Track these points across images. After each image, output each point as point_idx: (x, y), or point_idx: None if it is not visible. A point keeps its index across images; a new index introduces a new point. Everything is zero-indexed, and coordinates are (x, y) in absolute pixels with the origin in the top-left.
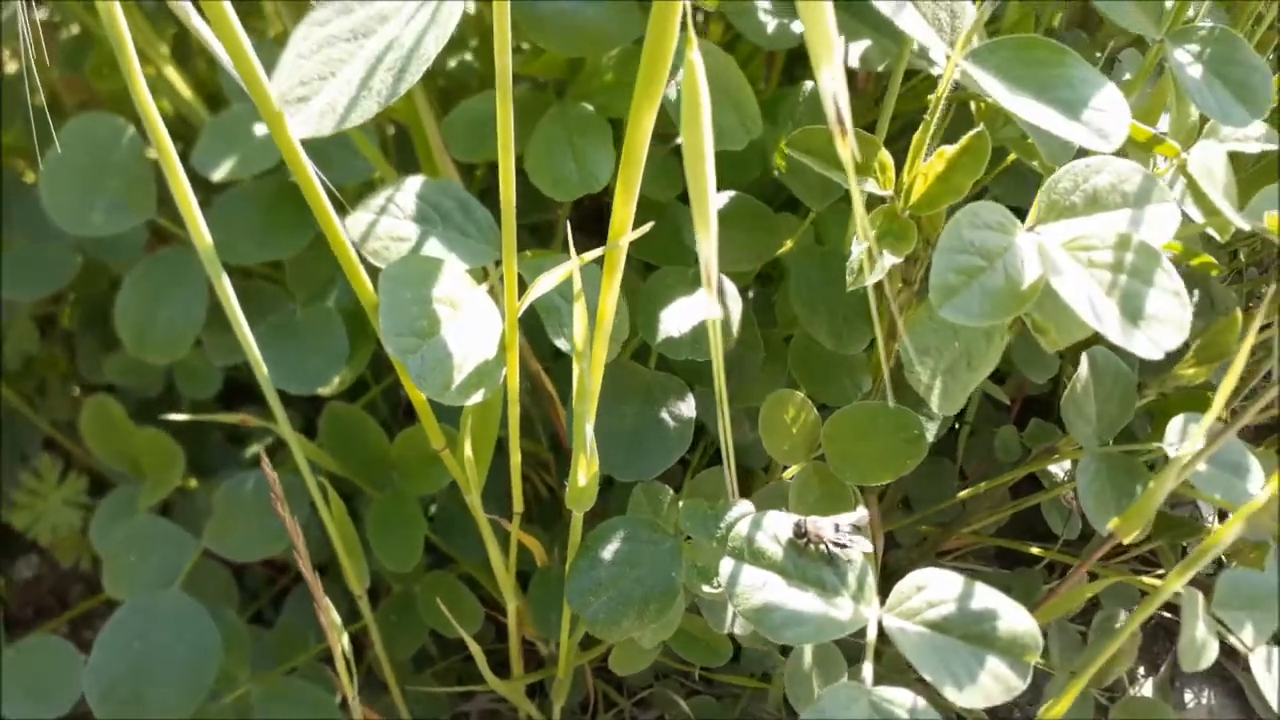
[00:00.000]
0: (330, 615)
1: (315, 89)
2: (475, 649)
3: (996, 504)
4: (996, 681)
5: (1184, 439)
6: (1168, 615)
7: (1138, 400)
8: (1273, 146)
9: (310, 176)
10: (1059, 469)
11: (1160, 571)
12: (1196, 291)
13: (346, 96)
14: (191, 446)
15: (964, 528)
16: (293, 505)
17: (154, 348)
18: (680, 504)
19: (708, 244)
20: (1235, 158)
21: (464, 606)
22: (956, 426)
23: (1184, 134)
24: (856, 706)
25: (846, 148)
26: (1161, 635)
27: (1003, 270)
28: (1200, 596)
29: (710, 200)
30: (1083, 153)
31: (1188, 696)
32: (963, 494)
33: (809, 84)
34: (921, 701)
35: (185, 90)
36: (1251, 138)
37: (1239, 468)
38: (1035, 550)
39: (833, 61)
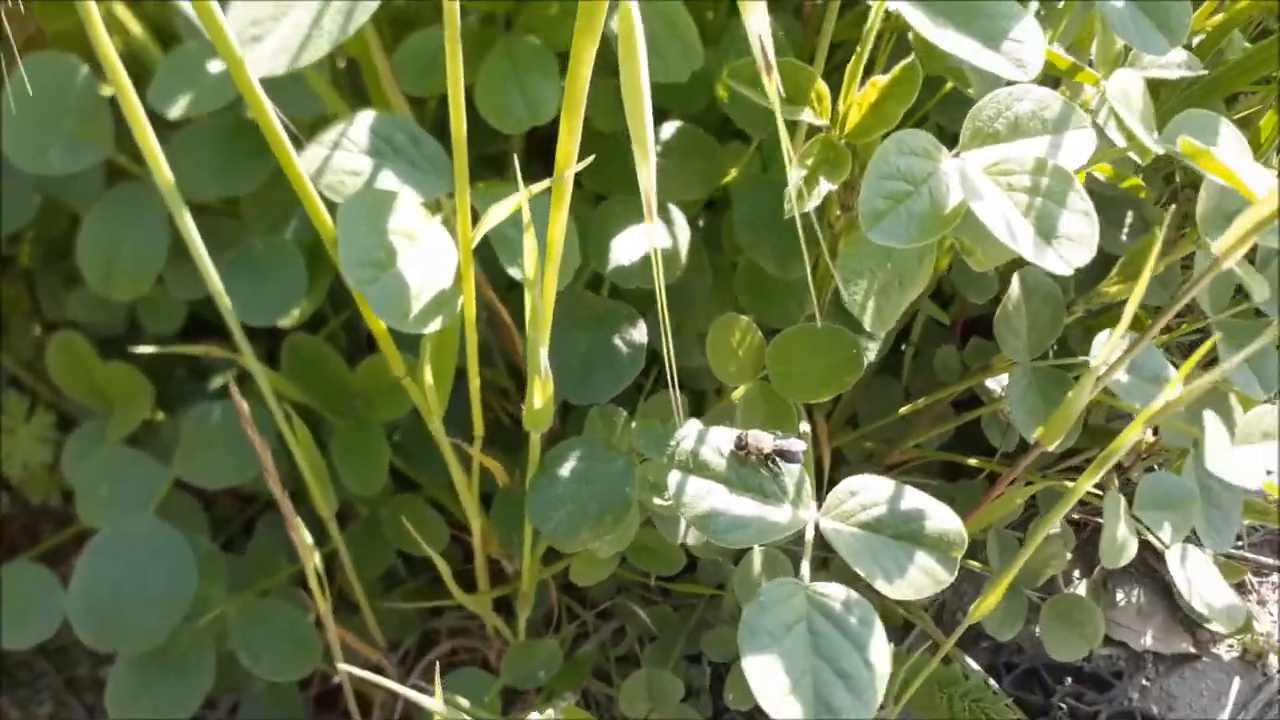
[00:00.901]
0: (301, 534)
1: (268, 28)
2: (443, 566)
3: (938, 419)
4: (925, 575)
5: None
6: (1101, 521)
7: (1067, 317)
8: (1193, 72)
9: (269, 114)
10: (996, 384)
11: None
12: (1130, 213)
13: (299, 36)
14: (156, 381)
15: (907, 442)
16: (260, 433)
17: (118, 284)
18: (633, 424)
19: (647, 176)
20: (1166, 85)
21: (430, 527)
22: (903, 347)
23: (1109, 62)
24: (795, 600)
25: (772, 83)
26: (1096, 540)
27: (928, 195)
28: (1122, 499)
29: (648, 135)
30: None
31: (1119, 595)
32: (904, 410)
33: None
34: (854, 594)
35: (136, 28)
36: (1173, 63)
37: (1158, 378)
38: (973, 463)
39: (756, 14)
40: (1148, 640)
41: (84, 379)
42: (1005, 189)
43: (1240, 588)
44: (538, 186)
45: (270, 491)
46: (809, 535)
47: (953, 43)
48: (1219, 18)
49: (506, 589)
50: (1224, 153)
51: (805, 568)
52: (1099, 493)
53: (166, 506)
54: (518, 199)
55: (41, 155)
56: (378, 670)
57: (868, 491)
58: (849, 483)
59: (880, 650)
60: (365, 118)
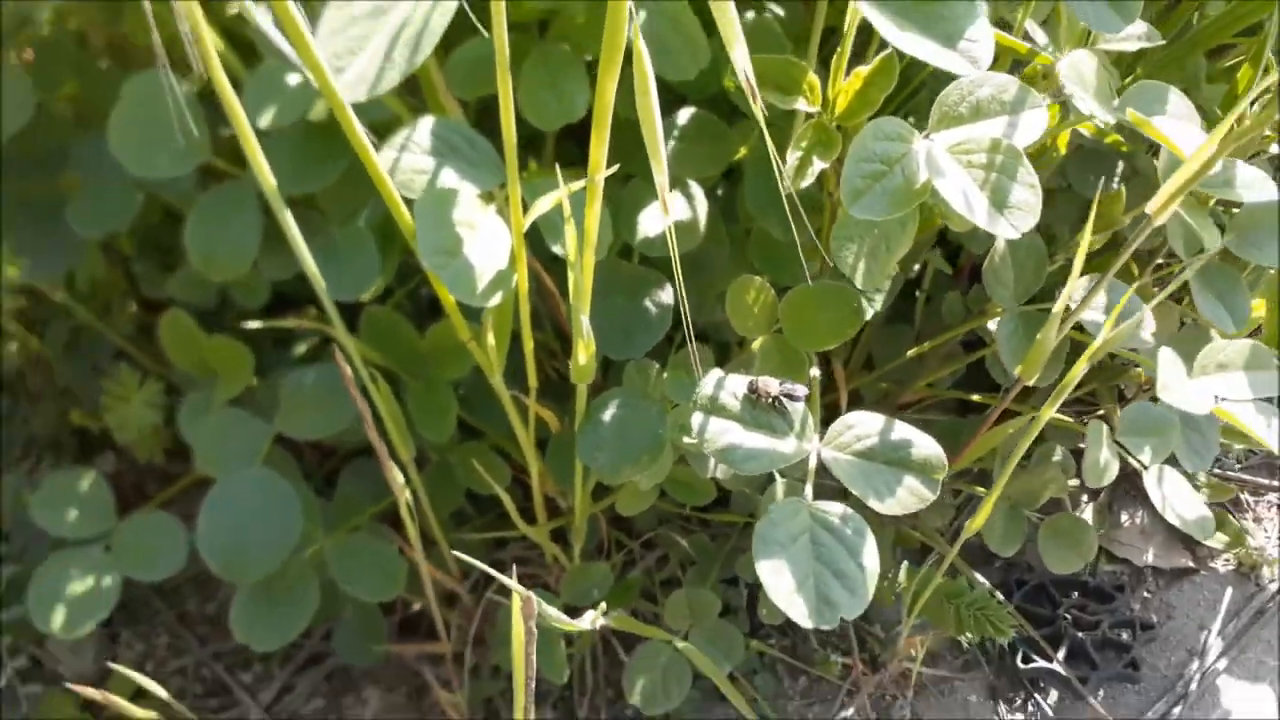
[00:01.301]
0: (394, 473)
1: (347, 61)
2: (507, 502)
3: (947, 359)
4: (912, 494)
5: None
6: None
7: (1049, 266)
8: (1152, 42)
9: (357, 129)
10: (994, 325)
11: (1100, 410)
12: (1121, 164)
13: (375, 67)
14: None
15: (919, 382)
16: (344, 393)
17: (219, 268)
18: (665, 375)
19: (662, 177)
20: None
21: (494, 469)
22: (916, 293)
23: (1075, 39)
24: (800, 516)
25: (757, 107)
26: None
27: (901, 173)
28: (1104, 427)
29: (660, 142)
30: None
31: (1123, 516)
32: (911, 352)
33: (750, 14)
34: (850, 509)
35: (220, 45)
36: (1133, 36)
37: (1132, 318)
38: (977, 399)
39: (738, 48)
40: (1149, 557)
41: (191, 351)
42: (966, 165)
43: (1237, 506)
44: (575, 185)
45: (349, 444)
46: (812, 463)
47: (913, 45)
48: None
49: (562, 522)
50: (1166, 120)
51: (808, 490)
52: (1064, 418)
53: (268, 459)
54: (558, 195)
55: (150, 161)
56: (453, 596)
57: (862, 425)
58: (846, 418)
59: (871, 555)
60: (427, 123)
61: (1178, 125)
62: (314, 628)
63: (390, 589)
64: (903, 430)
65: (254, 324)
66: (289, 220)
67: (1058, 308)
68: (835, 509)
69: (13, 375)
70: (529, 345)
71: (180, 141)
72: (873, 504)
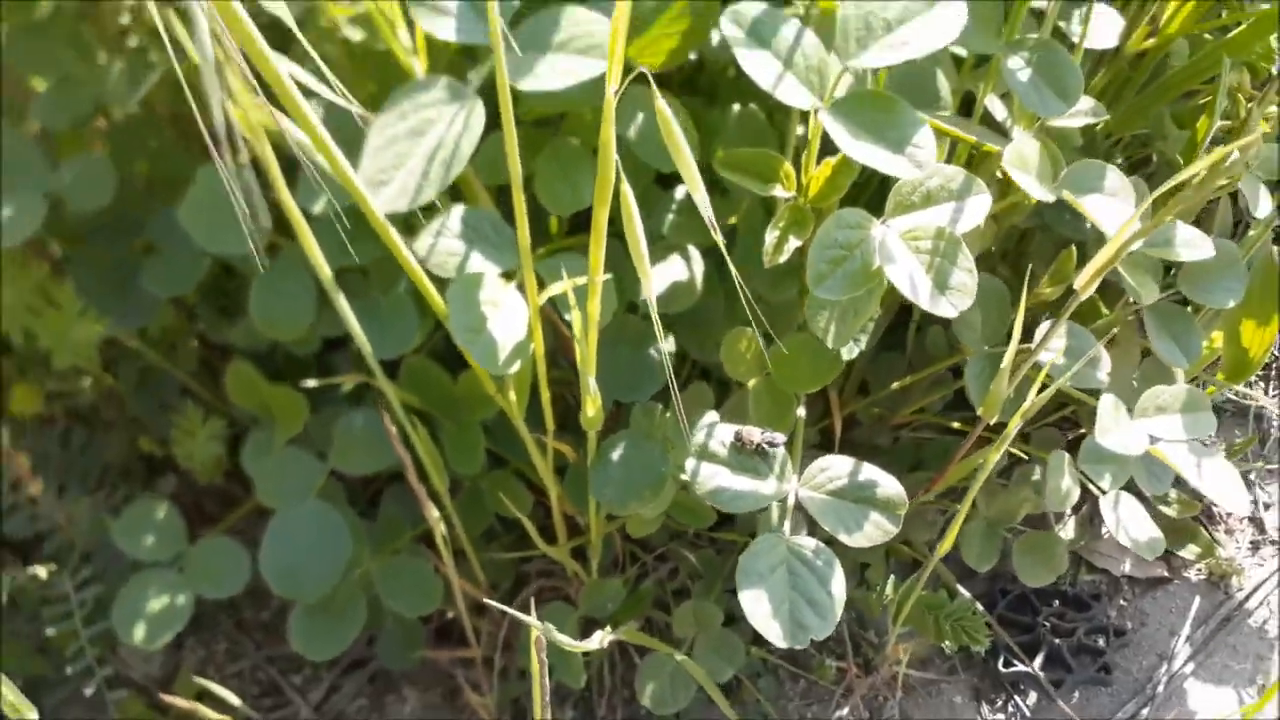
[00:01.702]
0: (431, 511)
1: (390, 176)
2: (529, 525)
3: (935, 385)
4: (876, 528)
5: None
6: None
7: (1013, 313)
8: (1097, 119)
9: (390, 232)
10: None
11: (1082, 431)
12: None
13: (415, 182)
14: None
15: (909, 407)
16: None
17: (279, 329)
18: (667, 415)
19: (648, 287)
20: (1128, 83)
21: (517, 495)
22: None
23: (1025, 120)
24: (778, 549)
25: (718, 236)
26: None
27: (860, 257)
28: (1066, 456)
29: (647, 265)
30: None
31: (1103, 529)
32: (896, 384)
33: (736, 107)
34: (822, 544)
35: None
36: (1081, 112)
37: (1090, 359)
38: (957, 426)
39: (698, 191)
40: (1126, 567)
41: (253, 396)
42: (914, 251)
43: (1210, 519)
44: (580, 280)
45: (387, 472)
46: (790, 501)
47: (866, 154)
48: (1152, 41)
49: (580, 540)
50: (1099, 199)
51: (786, 526)
52: (1022, 448)
53: (322, 488)
54: (565, 285)
55: (218, 239)
56: (482, 607)
57: (834, 467)
58: (821, 461)
59: (839, 585)
60: (458, 211)
61: (1109, 204)
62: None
63: (428, 604)
64: (869, 472)
65: (311, 382)
66: (339, 299)
67: (1006, 361)
68: (809, 544)
69: (87, 409)
70: (546, 396)
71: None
72: (842, 537)
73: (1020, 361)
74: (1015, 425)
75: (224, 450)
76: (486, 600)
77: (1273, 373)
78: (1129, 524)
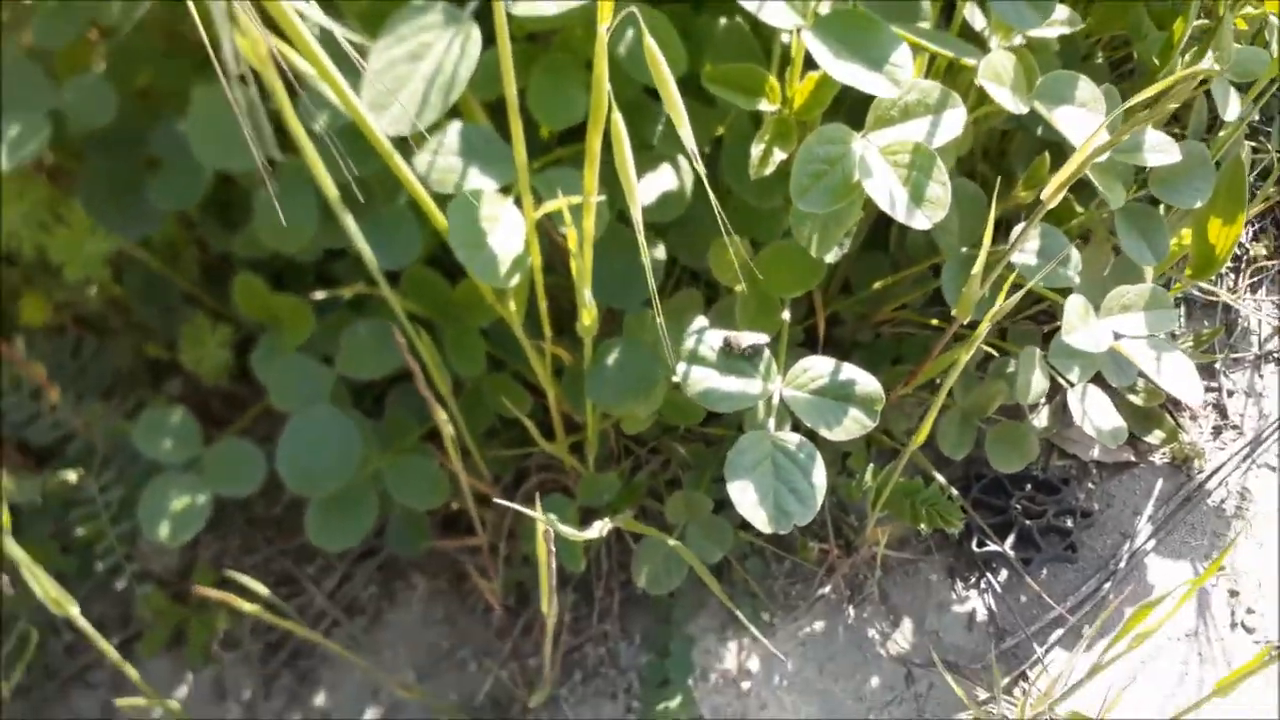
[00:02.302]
0: (439, 412)
1: (390, 100)
2: (529, 424)
3: (917, 283)
4: (855, 423)
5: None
6: None
7: (1008, 202)
8: (1073, 28)
9: (392, 153)
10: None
11: (1057, 324)
12: None
13: (415, 105)
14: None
15: (890, 305)
16: (392, 338)
17: (284, 241)
18: (659, 322)
19: (636, 209)
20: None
21: (517, 395)
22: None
23: (1001, 31)
24: (763, 444)
25: (698, 165)
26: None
27: (840, 172)
28: (1037, 351)
29: (635, 186)
30: None
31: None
32: (878, 284)
33: (723, 20)
34: (804, 438)
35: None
36: (1058, 21)
37: (1062, 259)
38: (935, 323)
39: (681, 121)
40: (1095, 453)
41: (260, 306)
42: (893, 165)
43: (1176, 405)
44: (575, 200)
45: (393, 373)
46: (775, 400)
47: (846, 72)
48: None
49: (578, 437)
50: (1069, 110)
51: (771, 423)
52: (996, 343)
53: (331, 393)
54: (560, 203)
55: (223, 157)
56: (486, 498)
57: (816, 368)
58: (803, 361)
59: (820, 475)
60: (455, 128)
61: (1078, 115)
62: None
63: (436, 498)
64: (849, 371)
65: (319, 294)
66: (345, 215)
67: (978, 265)
68: (792, 438)
69: (94, 317)
70: (543, 305)
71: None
72: (823, 432)
73: (994, 261)
74: (986, 325)
75: (230, 355)
76: (492, 496)
77: (1241, 264)
78: (1094, 414)
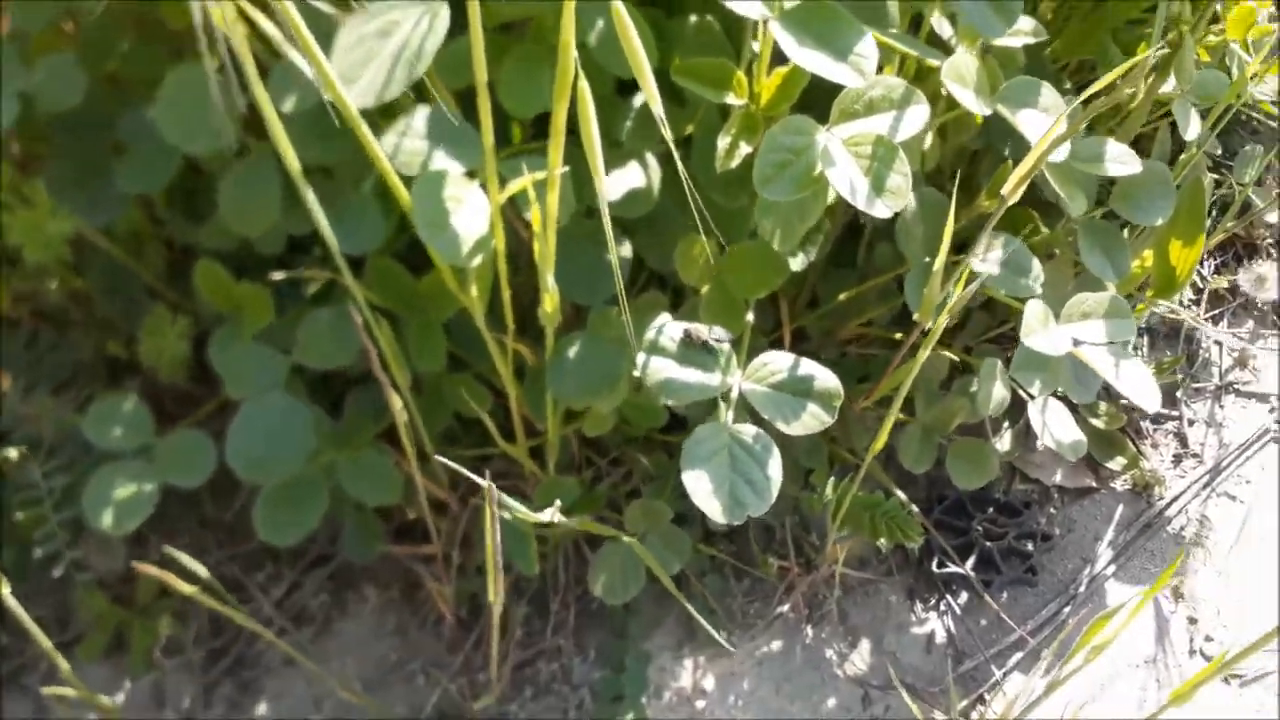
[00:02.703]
0: (394, 398)
1: (359, 73)
2: (488, 422)
3: (882, 298)
4: (813, 418)
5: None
6: None
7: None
8: (1037, 39)
9: (362, 125)
10: None
11: None
12: None
13: (381, 80)
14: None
15: (856, 320)
16: (352, 330)
17: (247, 224)
18: (622, 317)
19: (601, 186)
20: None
21: (478, 395)
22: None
23: (967, 38)
24: (720, 436)
25: (667, 132)
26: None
27: (804, 162)
28: (999, 364)
29: (600, 165)
30: None
31: (1039, 444)
32: (843, 296)
33: (693, 18)
34: (761, 430)
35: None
36: (1022, 32)
37: (1026, 271)
38: (899, 337)
39: (653, 96)
40: (1058, 477)
41: (221, 293)
42: (855, 156)
43: (1138, 433)
44: (539, 175)
45: (354, 373)
46: (734, 394)
47: (811, 60)
48: None
49: (538, 441)
50: (1031, 113)
51: (729, 415)
52: (953, 354)
53: (287, 387)
54: (525, 181)
55: (191, 138)
56: (444, 505)
57: (775, 362)
58: (763, 356)
59: (775, 467)
60: (422, 112)
61: (1041, 118)
62: (320, 534)
63: (389, 494)
64: (808, 366)
65: (279, 275)
66: (308, 192)
67: (938, 264)
68: (749, 430)
69: (54, 310)
70: (506, 294)
71: (218, 123)
72: (781, 427)
73: (958, 270)
74: (944, 319)
75: (189, 350)
76: (449, 503)
77: (1203, 298)
78: (1054, 427)
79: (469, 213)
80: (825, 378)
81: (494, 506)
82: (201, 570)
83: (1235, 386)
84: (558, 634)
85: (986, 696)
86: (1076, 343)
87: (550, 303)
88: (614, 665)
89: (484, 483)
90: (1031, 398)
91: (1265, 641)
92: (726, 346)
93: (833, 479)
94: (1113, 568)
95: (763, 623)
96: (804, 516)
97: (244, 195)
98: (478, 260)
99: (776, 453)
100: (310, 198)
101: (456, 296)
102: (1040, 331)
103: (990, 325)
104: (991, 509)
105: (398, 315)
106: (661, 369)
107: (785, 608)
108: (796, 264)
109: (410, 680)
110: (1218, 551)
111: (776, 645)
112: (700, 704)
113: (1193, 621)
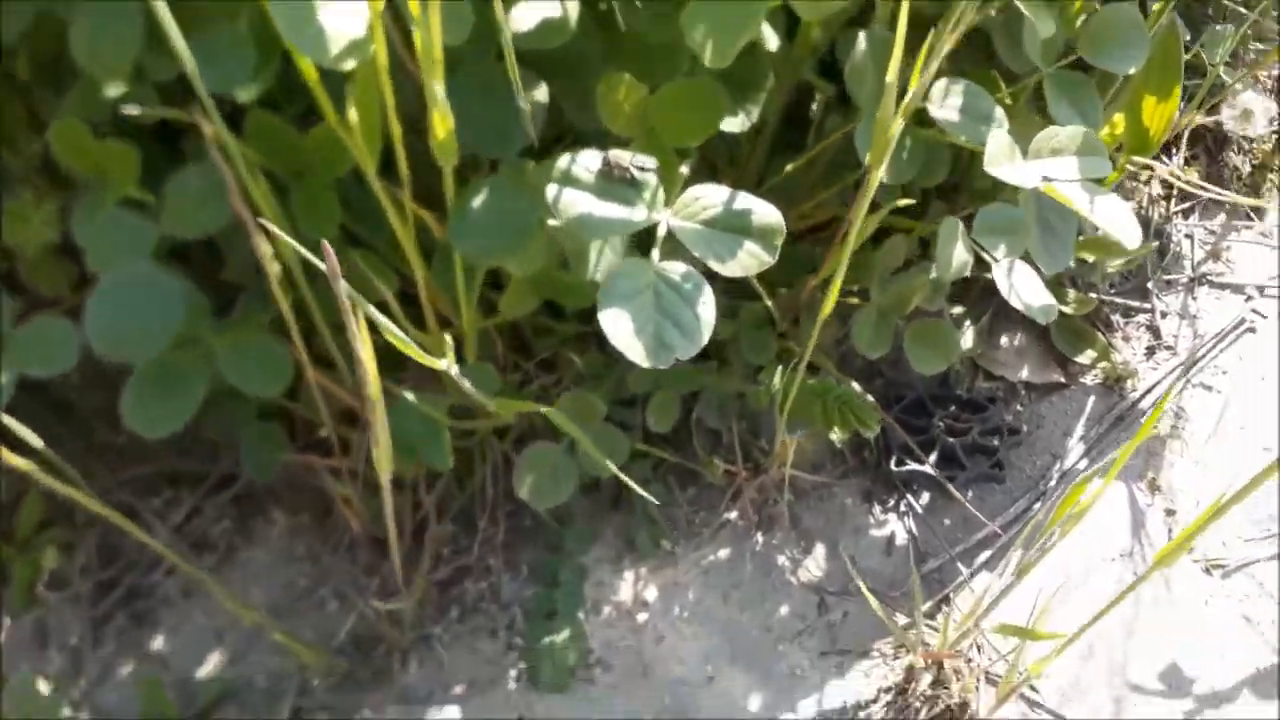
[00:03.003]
0: (263, 244)
1: None
2: (392, 300)
3: (830, 175)
4: (751, 257)
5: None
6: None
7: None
8: None
9: None
10: None
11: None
12: None
13: None
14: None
15: (804, 203)
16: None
17: (104, 66)
18: (540, 165)
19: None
20: None
21: (381, 273)
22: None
23: None
24: (645, 274)
25: None
26: (985, 292)
27: None
28: (960, 224)
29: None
30: None
31: (1002, 339)
32: (790, 166)
33: None
34: (692, 268)
35: None
36: None
37: (986, 117)
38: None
39: None
40: (1024, 373)
41: (82, 156)
42: None
43: (1108, 326)
44: None
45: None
46: (661, 230)
47: None
48: None
49: (451, 331)
50: None
51: (655, 253)
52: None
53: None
54: None
55: None
56: (352, 416)
57: (708, 196)
58: (694, 189)
59: (707, 306)
60: None
61: None
62: (220, 454)
63: (277, 383)
64: (745, 200)
65: (134, 109)
66: (165, 14)
67: (887, 101)
68: (678, 268)
69: None
70: (396, 130)
71: None
72: (714, 265)
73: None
74: (883, 165)
75: (59, 240)
76: (356, 409)
77: (1173, 193)
78: (1022, 289)
79: (339, 11)
80: (765, 211)
81: (339, 284)
82: (36, 440)
83: (1209, 278)
84: (485, 551)
85: (952, 596)
86: (1047, 180)
87: (442, 125)
88: (547, 581)
89: (321, 264)
90: (995, 260)
91: (1217, 510)
92: (652, 178)
93: (780, 368)
94: (1085, 462)
95: (709, 531)
96: (752, 420)
97: (99, 32)
98: (351, 64)
99: (708, 291)
100: (170, 23)
101: (348, 150)
102: (1006, 164)
103: (950, 212)
104: (954, 406)
105: (285, 181)
106: (576, 202)
107: (733, 514)
108: (736, 123)
109: (321, 607)
110: (1194, 442)
111: (724, 553)
112: (642, 617)
113: (1170, 514)
